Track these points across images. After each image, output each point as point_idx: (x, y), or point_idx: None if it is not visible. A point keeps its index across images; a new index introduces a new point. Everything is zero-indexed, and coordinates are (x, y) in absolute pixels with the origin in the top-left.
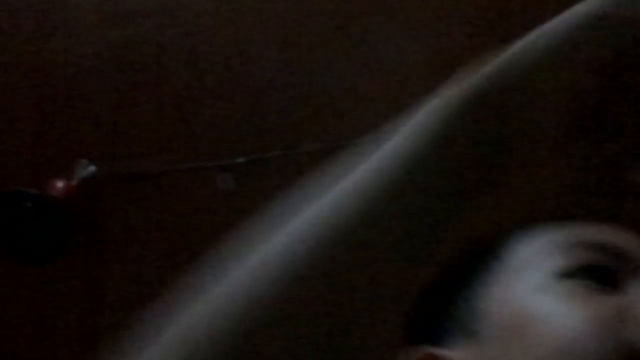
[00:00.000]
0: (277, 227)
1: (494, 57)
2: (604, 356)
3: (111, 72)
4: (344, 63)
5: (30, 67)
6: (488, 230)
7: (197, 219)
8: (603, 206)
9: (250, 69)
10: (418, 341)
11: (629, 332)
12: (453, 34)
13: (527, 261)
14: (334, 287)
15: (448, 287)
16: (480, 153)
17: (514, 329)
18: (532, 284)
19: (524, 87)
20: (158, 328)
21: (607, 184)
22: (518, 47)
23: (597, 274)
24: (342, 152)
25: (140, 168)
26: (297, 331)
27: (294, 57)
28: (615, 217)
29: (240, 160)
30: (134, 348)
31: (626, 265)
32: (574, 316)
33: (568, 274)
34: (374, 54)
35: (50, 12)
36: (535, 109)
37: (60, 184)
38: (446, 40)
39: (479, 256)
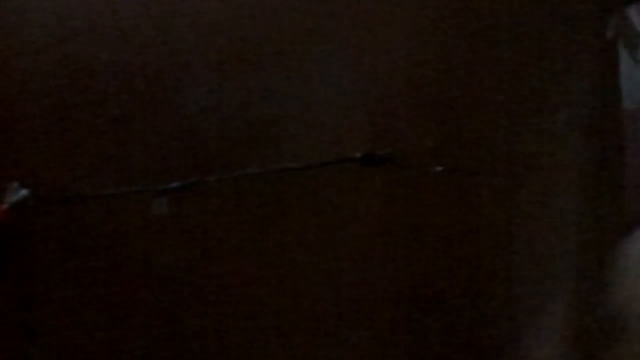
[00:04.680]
0: None
1: None
2: None
3: (44, 94)
4: (282, 88)
5: None
6: None
7: (130, 243)
8: None
9: (185, 92)
10: None
11: None
12: (389, 62)
13: None
14: None
15: None
16: None
17: None
18: None
19: None
20: None
21: None
22: None
23: None
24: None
25: (72, 191)
26: None
27: (230, 81)
28: None
29: (175, 184)
30: None
31: None
32: None
33: None
34: (310, 80)
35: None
36: None
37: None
38: (382, 69)
39: None
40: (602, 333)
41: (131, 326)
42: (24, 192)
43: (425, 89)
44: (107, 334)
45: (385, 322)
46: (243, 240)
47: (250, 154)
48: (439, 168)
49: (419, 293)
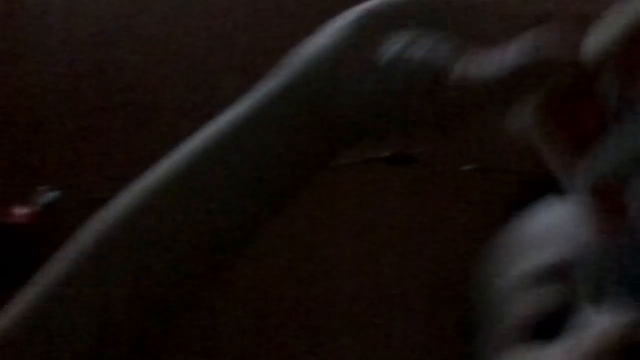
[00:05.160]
0: None
1: None
2: None
3: (75, 98)
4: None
5: None
6: None
7: None
8: None
9: (216, 97)
10: None
11: None
12: None
13: None
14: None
15: None
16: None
17: None
18: None
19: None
20: None
21: None
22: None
23: None
24: None
25: (102, 194)
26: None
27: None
28: None
29: None
30: None
31: None
32: None
33: None
34: None
35: (17, 37)
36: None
37: (21, 212)
38: None
39: None
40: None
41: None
42: (54, 194)
43: None
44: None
45: (410, 318)
46: (273, 239)
47: None
48: (468, 167)
49: (445, 291)
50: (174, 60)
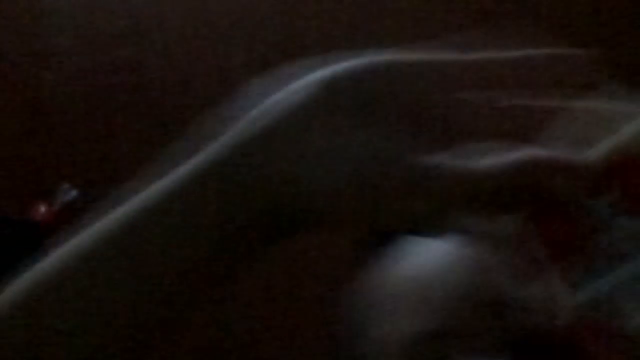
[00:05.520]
0: None
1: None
2: None
3: (93, 95)
4: None
5: (13, 92)
6: None
7: None
8: None
9: (235, 95)
10: None
11: None
12: None
13: None
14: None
15: None
16: None
17: None
18: None
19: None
20: None
21: None
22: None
23: None
24: None
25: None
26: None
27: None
28: None
29: None
30: None
31: None
32: None
33: None
34: None
35: (32, 38)
36: None
37: (42, 209)
38: None
39: None
40: None
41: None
42: (74, 193)
43: None
44: None
45: None
46: None
47: None
48: None
49: None
50: (195, 60)
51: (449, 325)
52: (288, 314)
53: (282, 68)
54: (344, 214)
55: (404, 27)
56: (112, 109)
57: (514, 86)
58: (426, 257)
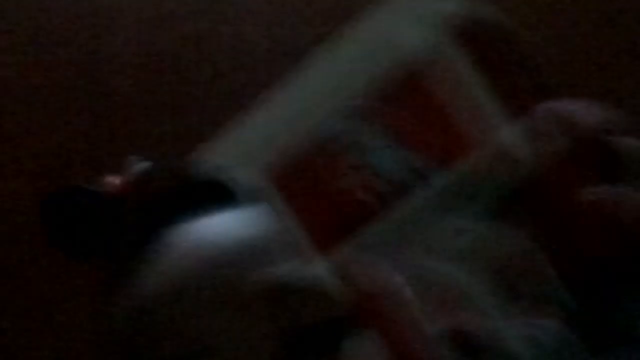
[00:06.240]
0: None
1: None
2: None
3: (159, 70)
4: None
5: (81, 67)
6: None
7: None
8: None
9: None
10: None
11: None
12: None
13: None
14: None
15: None
16: None
17: None
18: None
19: None
20: None
21: None
22: None
23: None
24: None
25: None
26: None
27: None
28: None
29: None
30: None
31: None
32: None
33: None
34: None
35: (97, 14)
36: None
37: (113, 181)
38: None
39: None
40: None
41: None
42: (145, 165)
43: None
44: None
45: None
46: None
47: None
48: None
49: None
50: (265, 34)
51: None
52: None
53: None
54: None
55: None
56: (179, 82)
57: None
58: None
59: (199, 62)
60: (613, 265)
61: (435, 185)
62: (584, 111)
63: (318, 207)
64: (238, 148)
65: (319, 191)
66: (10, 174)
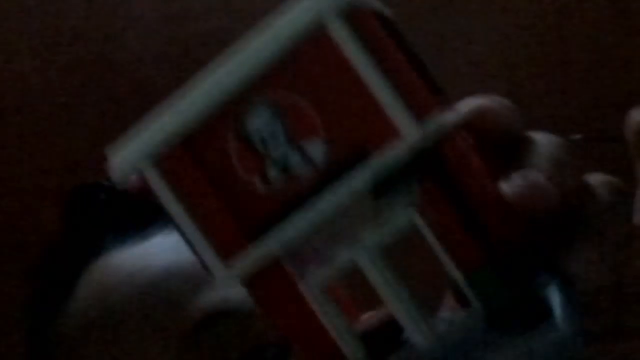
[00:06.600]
0: None
1: None
2: None
3: (176, 70)
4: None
5: (98, 66)
6: None
7: None
8: None
9: None
10: None
11: None
12: (513, 29)
13: None
14: None
15: None
16: None
17: None
18: None
19: None
20: None
21: None
22: None
23: None
24: None
25: None
26: None
27: None
28: None
29: None
30: None
31: None
32: None
33: None
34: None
35: (116, 13)
36: None
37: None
38: (511, 39)
39: None
40: None
41: None
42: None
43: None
44: None
45: None
46: None
47: None
48: (577, 136)
49: None
50: None
51: None
52: None
53: None
54: None
55: None
56: None
57: None
58: None
59: None
60: (521, 249)
61: (349, 177)
62: (498, 106)
63: (214, 200)
64: (128, 141)
65: (209, 178)
66: (31, 172)
